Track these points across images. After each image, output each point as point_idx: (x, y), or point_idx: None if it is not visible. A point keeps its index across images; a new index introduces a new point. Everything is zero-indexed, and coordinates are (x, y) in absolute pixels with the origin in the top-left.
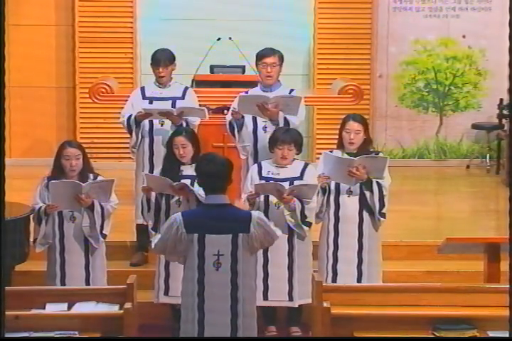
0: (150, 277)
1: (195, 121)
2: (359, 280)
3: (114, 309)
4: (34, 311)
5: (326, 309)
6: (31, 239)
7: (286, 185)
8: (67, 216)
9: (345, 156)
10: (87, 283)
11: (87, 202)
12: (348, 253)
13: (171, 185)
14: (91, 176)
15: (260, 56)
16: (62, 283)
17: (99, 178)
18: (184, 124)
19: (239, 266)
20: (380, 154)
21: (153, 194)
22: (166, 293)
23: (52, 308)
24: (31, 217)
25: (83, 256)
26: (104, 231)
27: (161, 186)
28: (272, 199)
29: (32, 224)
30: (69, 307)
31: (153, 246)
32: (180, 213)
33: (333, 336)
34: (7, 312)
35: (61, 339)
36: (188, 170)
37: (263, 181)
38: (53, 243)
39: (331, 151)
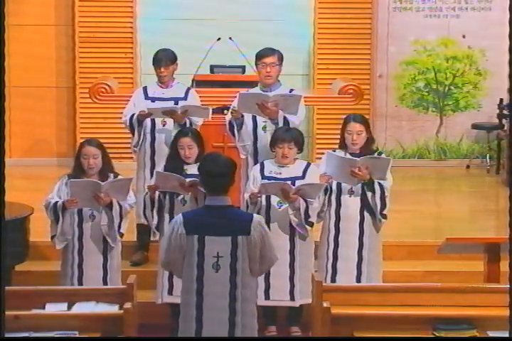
0: (150, 277)
1: (198, 121)
2: (358, 278)
3: (114, 309)
4: (34, 311)
5: (326, 309)
6: (49, 236)
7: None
8: (87, 214)
9: (348, 156)
10: (105, 282)
11: (105, 200)
12: (348, 252)
13: (182, 182)
14: (111, 175)
15: (259, 56)
16: (80, 283)
17: (119, 177)
18: (188, 124)
19: (238, 264)
20: (383, 155)
21: (157, 193)
22: (170, 292)
23: (52, 308)
24: (46, 212)
25: (101, 256)
26: (121, 230)
27: (170, 184)
28: (274, 199)
29: (33, 224)
30: (69, 307)
31: (160, 263)
32: (180, 214)
33: (333, 336)
34: (7, 312)
35: (61, 339)
36: (193, 168)
37: (266, 180)
38: (71, 242)
39: (334, 151)
